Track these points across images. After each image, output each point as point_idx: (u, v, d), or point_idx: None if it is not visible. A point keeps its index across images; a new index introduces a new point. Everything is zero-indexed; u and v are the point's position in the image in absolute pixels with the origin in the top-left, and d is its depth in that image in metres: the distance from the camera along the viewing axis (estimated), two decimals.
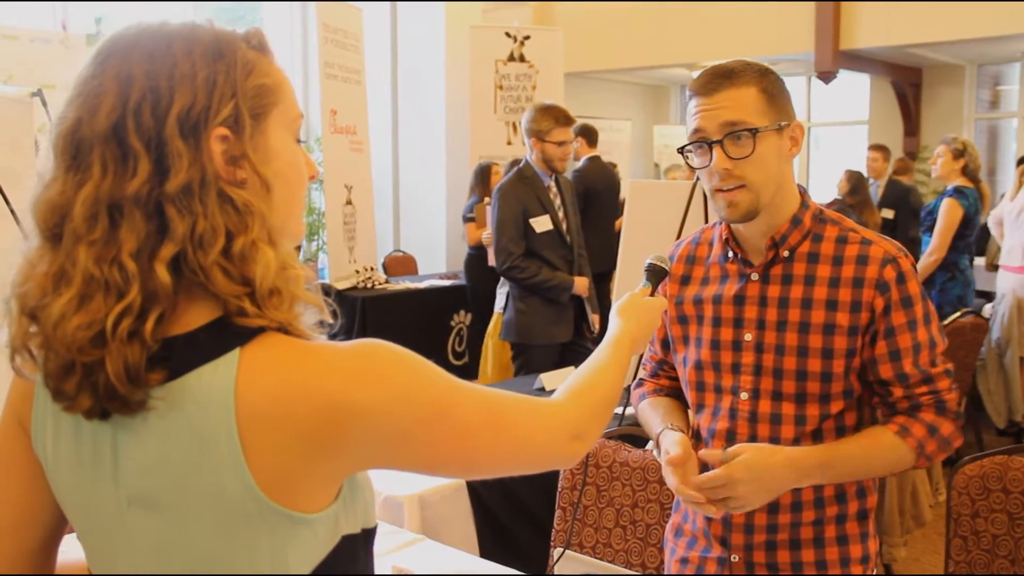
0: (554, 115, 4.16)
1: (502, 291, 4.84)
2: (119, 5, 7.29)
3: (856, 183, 7.00)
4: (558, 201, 4.32)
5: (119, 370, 0.85)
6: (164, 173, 0.87)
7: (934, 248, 5.20)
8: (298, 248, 1.28)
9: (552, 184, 4.30)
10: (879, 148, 7.97)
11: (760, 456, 1.53)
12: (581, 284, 4.30)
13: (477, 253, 6.50)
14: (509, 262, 4.22)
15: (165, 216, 0.87)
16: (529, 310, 4.28)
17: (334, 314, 0.96)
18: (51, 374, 0.88)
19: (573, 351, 4.26)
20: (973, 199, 5.17)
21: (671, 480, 1.60)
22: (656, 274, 1.60)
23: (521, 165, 4.33)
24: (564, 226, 4.31)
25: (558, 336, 4.28)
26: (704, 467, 1.70)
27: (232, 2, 9.21)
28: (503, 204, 4.24)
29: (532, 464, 1.08)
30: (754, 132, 1.55)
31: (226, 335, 0.88)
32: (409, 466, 0.97)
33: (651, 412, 1.80)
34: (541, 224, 4.23)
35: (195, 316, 0.89)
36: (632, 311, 1.43)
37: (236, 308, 0.88)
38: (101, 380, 0.86)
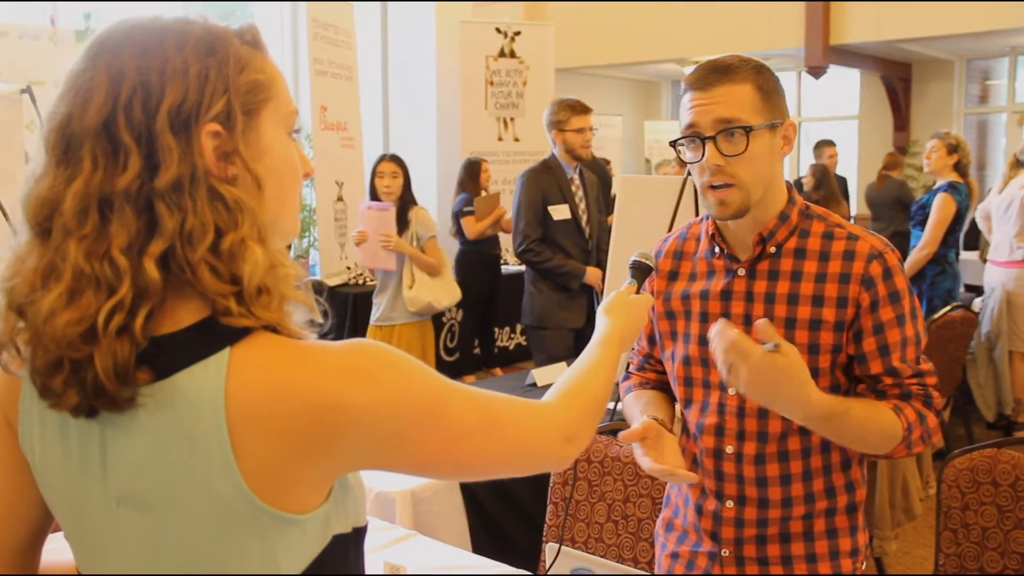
0: (570, 105, 4.36)
1: (377, 300, 4.80)
2: (108, 2, 7.26)
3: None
4: (580, 193, 4.47)
5: (108, 367, 0.84)
6: (154, 168, 0.86)
7: (926, 242, 5.21)
8: (288, 246, 1.27)
9: (575, 176, 4.46)
10: (832, 144, 8.00)
11: (790, 361, 1.43)
12: (593, 274, 4.38)
13: (470, 249, 6.50)
14: (525, 244, 4.36)
15: (155, 212, 0.86)
16: (539, 293, 4.42)
17: (325, 314, 0.96)
18: (38, 370, 0.88)
19: (588, 337, 4.29)
20: (965, 194, 5.18)
21: (643, 461, 1.59)
22: (641, 271, 1.60)
23: (547, 157, 4.50)
24: (584, 218, 4.45)
25: (569, 321, 4.39)
26: (696, 458, 1.71)
27: (222, 0, 9.18)
28: (525, 190, 4.41)
29: (524, 466, 1.08)
30: (748, 130, 1.55)
31: (216, 334, 0.88)
32: (401, 467, 0.96)
33: (634, 405, 1.81)
34: (559, 212, 4.38)
35: (184, 315, 0.89)
36: (619, 309, 1.43)
37: (223, 308, 0.87)
38: (89, 377, 0.85)
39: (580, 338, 4.36)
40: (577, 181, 4.47)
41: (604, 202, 6.46)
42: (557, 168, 4.43)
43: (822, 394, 1.52)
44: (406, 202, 4.66)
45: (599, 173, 6.58)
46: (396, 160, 4.68)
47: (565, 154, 4.39)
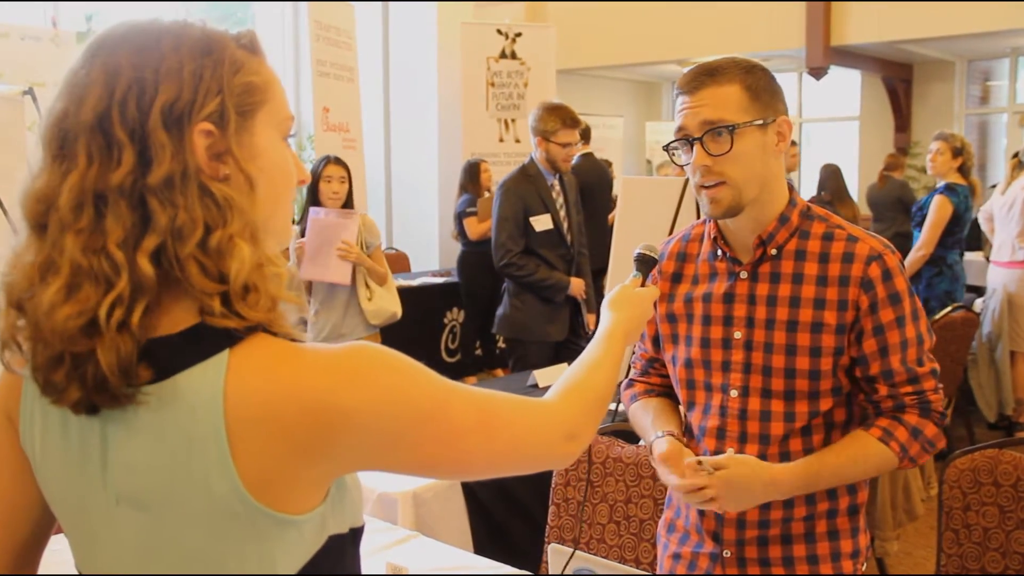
0: (561, 116, 4.17)
1: (321, 318, 4.25)
2: (109, 3, 7.27)
3: (825, 177, 7.02)
4: (560, 200, 4.32)
5: (111, 362, 0.85)
6: (147, 164, 0.87)
7: (922, 244, 5.22)
8: (287, 250, 1.27)
9: (555, 182, 4.31)
10: (792, 143, 7.92)
11: (743, 472, 1.55)
12: (577, 285, 4.29)
13: (472, 250, 6.50)
14: (507, 259, 4.22)
15: (148, 207, 0.87)
16: (524, 307, 4.29)
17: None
18: (40, 366, 0.88)
19: (567, 349, 4.27)
20: (964, 196, 5.17)
21: (670, 479, 1.61)
22: (646, 263, 1.59)
23: (526, 163, 4.33)
24: (565, 225, 4.31)
25: (553, 334, 4.29)
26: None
27: (224, 0, 9.19)
28: (504, 201, 4.24)
29: (526, 465, 1.08)
30: (731, 129, 1.56)
31: (216, 336, 0.88)
32: (400, 468, 0.96)
33: (643, 415, 1.81)
34: (541, 223, 4.23)
35: (182, 316, 0.89)
36: (623, 303, 1.42)
37: (208, 308, 0.87)
38: (90, 372, 0.85)
39: (560, 348, 4.29)
40: (558, 187, 4.31)
41: (607, 204, 6.49)
42: (538, 176, 4.24)
43: (786, 467, 1.59)
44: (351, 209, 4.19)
45: (600, 175, 6.59)
46: (342, 164, 4.21)
47: (545, 162, 4.23)
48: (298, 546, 0.91)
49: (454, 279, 6.94)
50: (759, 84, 1.60)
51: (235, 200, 0.89)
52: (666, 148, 1.67)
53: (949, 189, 5.17)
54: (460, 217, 6.57)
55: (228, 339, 0.88)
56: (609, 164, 7.62)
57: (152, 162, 0.87)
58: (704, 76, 1.59)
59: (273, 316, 0.90)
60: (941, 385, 1.65)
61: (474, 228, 6.38)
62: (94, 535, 0.94)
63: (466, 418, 0.96)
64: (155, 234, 0.86)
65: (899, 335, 1.59)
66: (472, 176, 6.69)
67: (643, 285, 1.53)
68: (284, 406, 0.86)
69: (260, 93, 0.94)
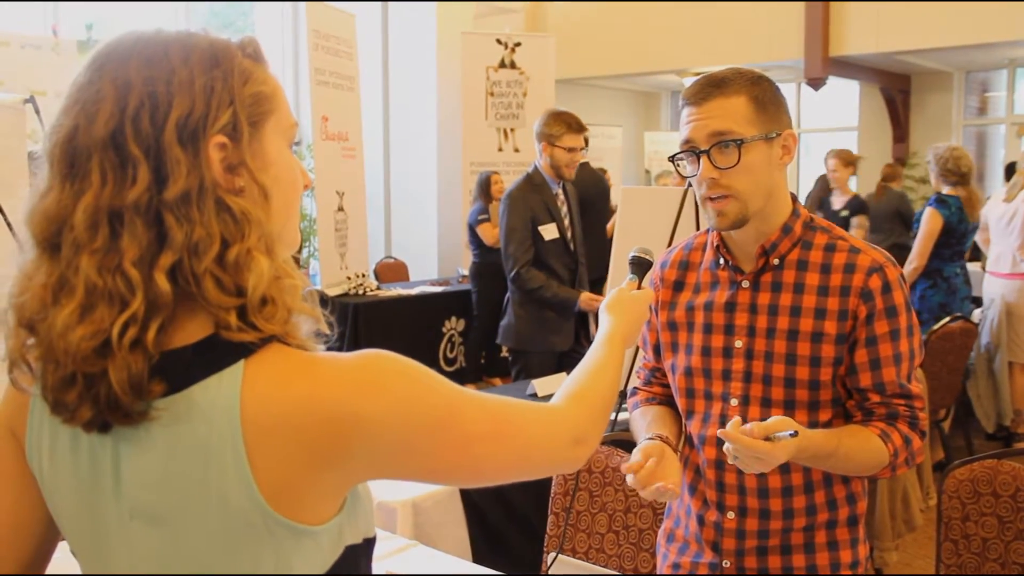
0: (566, 120, 4.16)
1: None
2: (110, 11, 7.30)
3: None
4: (565, 209, 4.31)
5: (122, 380, 0.84)
6: (163, 181, 0.86)
7: (913, 256, 5.23)
8: (297, 259, 1.27)
9: (560, 192, 4.29)
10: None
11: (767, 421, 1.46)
12: (586, 300, 4.22)
13: (485, 260, 6.51)
14: (516, 268, 4.19)
15: (164, 224, 0.86)
16: (528, 316, 4.26)
17: (330, 326, 0.96)
18: (51, 387, 0.87)
19: (571, 359, 4.25)
20: (956, 208, 5.17)
21: (628, 478, 1.59)
22: (641, 266, 1.59)
23: (531, 171, 4.31)
24: (569, 234, 4.30)
25: (557, 344, 4.26)
26: (698, 469, 1.71)
27: (224, 2, 9.21)
28: (512, 211, 4.22)
29: (536, 470, 1.08)
30: (739, 143, 1.57)
31: (230, 347, 0.88)
32: (414, 476, 0.97)
33: (640, 422, 1.81)
34: (548, 232, 4.22)
35: (196, 328, 0.89)
36: (620, 306, 1.43)
37: (224, 322, 0.87)
38: (103, 391, 0.85)
39: (563, 358, 4.27)
40: (562, 196, 4.30)
41: (604, 213, 6.49)
42: (543, 185, 4.23)
43: (811, 435, 1.53)
44: None
45: (596, 184, 6.60)
46: None
47: (550, 169, 4.21)
48: (315, 557, 0.91)
49: (453, 288, 6.95)
50: (766, 96, 1.60)
51: (251, 213, 0.89)
52: (671, 159, 1.67)
53: (940, 201, 5.18)
54: (472, 227, 6.59)
55: (243, 350, 0.88)
56: (604, 172, 7.63)
57: (168, 178, 0.86)
58: (711, 87, 1.59)
59: (289, 328, 0.90)
60: (925, 407, 1.66)
61: (489, 233, 6.41)
62: (107, 551, 0.93)
63: (480, 425, 0.96)
64: (171, 251, 0.86)
65: (892, 348, 1.59)
66: (484, 189, 6.74)
67: (639, 288, 1.53)
68: (301, 416, 0.86)
69: (268, 102, 0.94)
